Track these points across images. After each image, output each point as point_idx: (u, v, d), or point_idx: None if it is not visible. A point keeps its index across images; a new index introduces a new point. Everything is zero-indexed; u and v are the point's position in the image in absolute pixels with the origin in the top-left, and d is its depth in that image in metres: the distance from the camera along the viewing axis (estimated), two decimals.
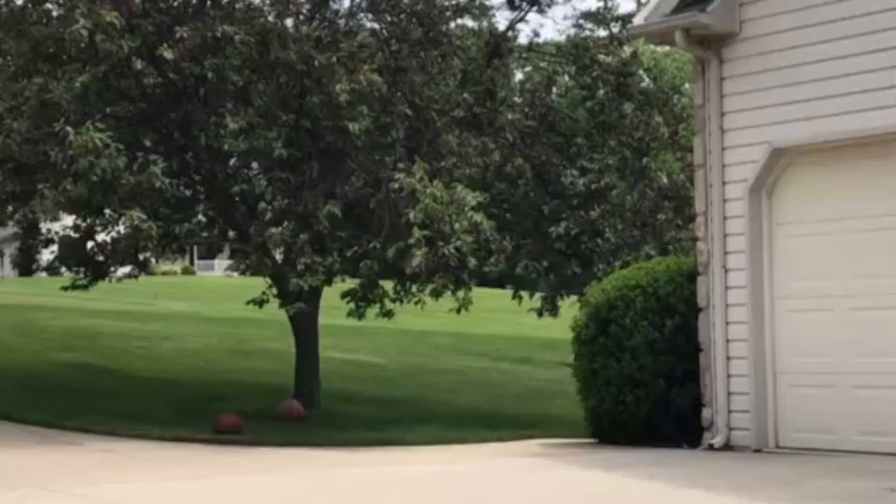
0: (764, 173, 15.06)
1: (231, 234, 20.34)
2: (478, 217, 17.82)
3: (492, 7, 21.65)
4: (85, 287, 20.89)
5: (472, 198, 17.96)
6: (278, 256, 19.05)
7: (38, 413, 18.20)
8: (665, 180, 21.43)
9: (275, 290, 19.91)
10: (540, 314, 21.41)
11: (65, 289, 21.12)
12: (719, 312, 15.34)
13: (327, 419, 19.44)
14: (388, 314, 19.78)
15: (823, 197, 14.77)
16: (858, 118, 14.12)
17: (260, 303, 20.33)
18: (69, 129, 17.07)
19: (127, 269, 20.99)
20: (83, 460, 15.01)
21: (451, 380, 26.65)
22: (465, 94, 20.47)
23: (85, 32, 17.31)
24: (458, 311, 18.92)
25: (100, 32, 17.51)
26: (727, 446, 15.08)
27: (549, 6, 21.68)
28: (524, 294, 22.10)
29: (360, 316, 19.81)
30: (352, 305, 19.63)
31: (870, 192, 14.36)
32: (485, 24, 21.81)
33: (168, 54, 18.20)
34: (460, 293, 18.91)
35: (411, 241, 17.49)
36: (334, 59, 18.24)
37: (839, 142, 14.44)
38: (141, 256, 20.15)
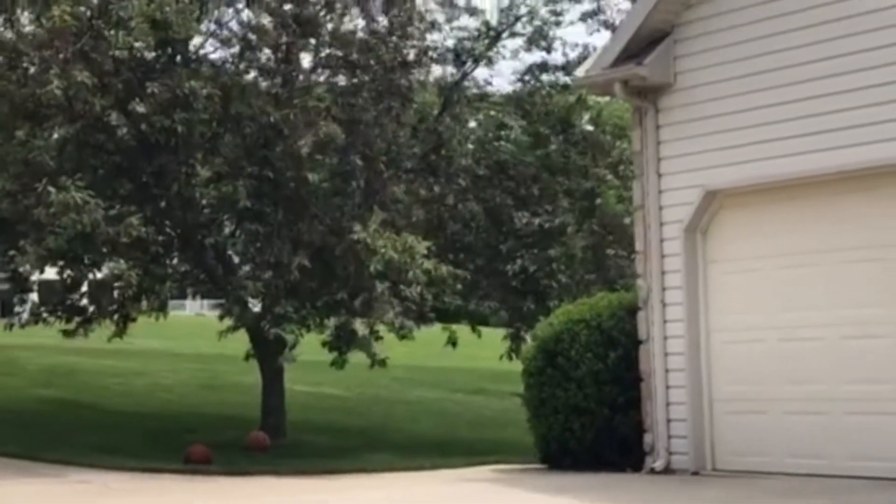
0: (698, 214, 15.13)
1: (203, 277, 20.22)
2: (429, 264, 17.89)
3: (442, 61, 21.68)
4: (84, 335, 20.56)
5: (422, 246, 18.02)
6: (253, 307, 19.02)
7: (18, 446, 18.06)
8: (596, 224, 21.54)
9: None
10: (510, 357, 21.39)
11: (64, 334, 20.82)
12: (658, 344, 15.37)
13: (293, 449, 19.40)
14: (382, 363, 19.58)
15: (753, 236, 14.85)
16: (783, 162, 14.22)
17: (251, 355, 20.44)
18: (51, 189, 17.03)
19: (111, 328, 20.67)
20: (61, 491, 14.93)
21: (409, 410, 26.64)
22: (417, 145, 20.53)
23: (59, 92, 17.31)
24: (453, 344, 19.00)
25: (72, 91, 17.50)
26: (667, 470, 15.07)
27: (492, 62, 21.73)
28: (482, 329, 22.18)
29: (342, 364, 19.71)
30: (333, 354, 19.59)
31: (794, 231, 14.45)
32: (435, 77, 21.84)
33: (140, 108, 18.21)
34: (436, 327, 18.96)
35: (376, 293, 17.63)
36: (291, 115, 18.27)
37: (765, 185, 14.54)
38: (119, 315, 19.94)
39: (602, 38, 21.95)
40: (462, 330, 23.08)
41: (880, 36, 13.41)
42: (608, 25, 21.45)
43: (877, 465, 13.32)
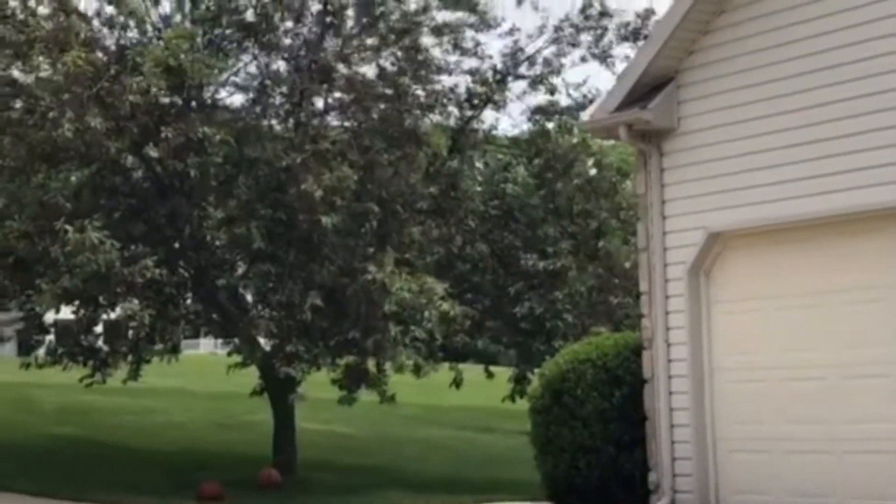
0: (701, 255, 15.14)
1: (215, 317, 20.28)
2: (446, 306, 17.96)
3: (454, 104, 21.75)
4: (102, 381, 20.61)
5: (441, 289, 18.10)
6: (265, 345, 19.07)
7: (33, 483, 18.13)
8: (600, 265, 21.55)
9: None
10: (513, 399, 21.40)
11: (82, 381, 20.86)
12: (663, 383, 15.36)
13: (303, 486, 19.41)
14: (391, 399, 19.68)
15: (755, 277, 14.84)
16: (783, 205, 14.23)
17: (257, 392, 20.48)
18: (68, 227, 17.11)
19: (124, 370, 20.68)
20: None
21: (418, 448, 26.63)
22: (431, 188, 20.60)
23: (70, 135, 17.38)
24: (457, 385, 19.03)
25: (86, 135, 17.59)
26: None
27: (503, 105, 21.82)
28: (494, 369, 22.17)
29: (351, 402, 19.74)
30: (342, 391, 19.63)
31: (796, 272, 14.44)
32: (448, 119, 21.91)
33: (154, 153, 18.32)
34: (440, 367, 19.01)
35: (389, 335, 17.69)
36: (299, 160, 18.34)
37: (766, 227, 14.54)
38: (132, 356, 19.96)
39: (603, 79, 22.14)
40: (470, 369, 23.10)
41: (878, 82, 13.44)
42: (605, 59, 21.54)
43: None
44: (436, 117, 21.33)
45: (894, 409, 13.46)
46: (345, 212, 19.14)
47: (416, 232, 19.97)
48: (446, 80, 21.47)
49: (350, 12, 20.29)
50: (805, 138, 14.04)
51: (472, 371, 23.32)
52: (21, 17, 18.77)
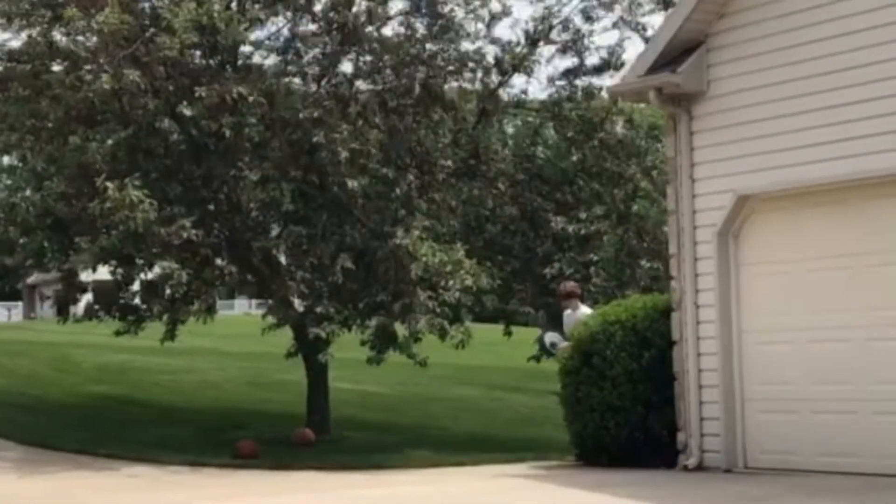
0: (730, 218, 15.09)
1: (249, 278, 20.24)
2: (470, 281, 17.92)
3: (482, 68, 21.59)
4: (135, 332, 20.65)
5: (469, 263, 18.05)
6: (299, 306, 19.03)
7: (73, 441, 18.21)
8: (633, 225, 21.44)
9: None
10: (538, 360, 21.32)
11: (117, 333, 20.93)
12: (691, 345, 15.34)
13: (337, 444, 19.43)
14: (423, 363, 19.74)
15: (784, 239, 14.81)
16: (813, 168, 14.17)
17: (290, 354, 20.53)
18: (109, 184, 17.08)
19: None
20: (114, 484, 15.03)
21: (449, 407, 26.63)
22: (456, 150, 20.53)
23: (108, 87, 17.32)
24: (460, 347, 19.02)
25: (123, 95, 17.57)
26: (700, 467, 15.04)
27: (530, 71, 21.65)
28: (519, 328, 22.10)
29: (378, 362, 19.77)
30: (371, 352, 19.65)
31: (824, 234, 14.42)
32: (476, 84, 21.77)
33: (188, 111, 18.30)
34: (460, 328, 18.94)
35: (417, 300, 17.71)
36: (315, 114, 18.29)
37: (797, 189, 14.48)
38: (169, 316, 19.95)
39: (633, 44, 21.95)
40: (497, 329, 23.02)
41: None
42: (640, 29, 21.35)
43: None
44: (465, 83, 21.19)
45: None
46: (373, 174, 19.08)
47: (439, 197, 19.89)
48: (475, 46, 21.28)
49: None
50: (835, 101, 13.95)
51: (500, 333, 23.31)
52: None
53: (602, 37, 21.50)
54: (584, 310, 17.29)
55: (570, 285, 17.76)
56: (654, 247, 21.23)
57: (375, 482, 15.22)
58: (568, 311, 17.40)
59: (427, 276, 17.97)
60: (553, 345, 17.49)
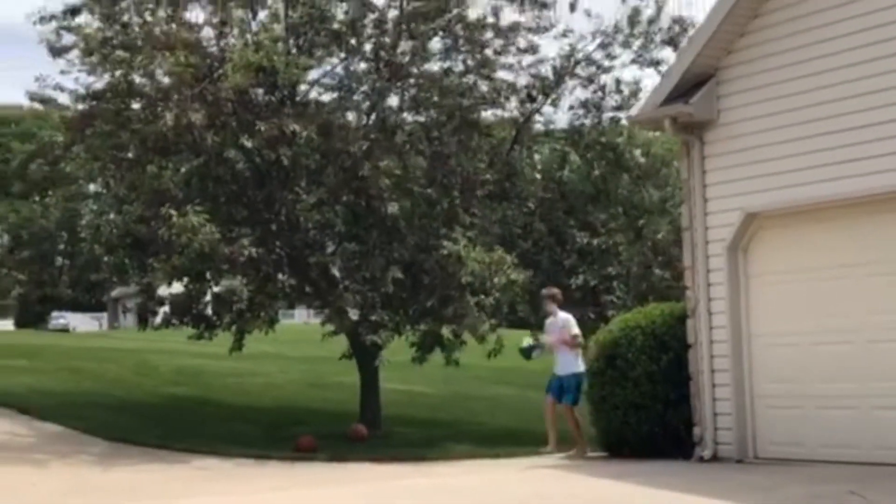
0: (739, 234, 15.03)
1: (308, 290, 20.18)
2: (514, 275, 17.90)
3: (515, 99, 21.50)
4: (208, 338, 20.58)
5: (510, 259, 18.09)
6: (353, 316, 18.99)
7: (151, 436, 18.22)
8: (659, 236, 21.31)
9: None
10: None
11: (190, 338, 20.89)
12: (705, 348, 15.27)
13: (387, 439, 19.37)
14: (455, 363, 19.76)
15: (788, 253, 14.74)
16: (813, 188, 14.11)
17: (346, 356, 20.53)
18: (172, 212, 17.15)
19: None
20: (187, 476, 15.02)
21: (486, 405, 26.51)
22: (492, 173, 20.49)
23: (171, 124, 17.39)
24: (493, 355, 19.06)
25: (188, 129, 17.63)
26: (714, 458, 14.97)
27: (557, 100, 21.57)
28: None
29: (422, 361, 19.80)
30: (416, 353, 19.72)
31: (825, 248, 14.33)
32: (509, 113, 21.68)
33: (248, 143, 18.33)
34: (493, 336, 18.96)
35: (467, 304, 17.69)
36: (364, 146, 18.33)
37: (798, 207, 14.42)
38: (236, 327, 19.90)
39: (649, 77, 21.85)
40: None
41: None
42: (654, 64, 21.20)
43: None
44: (498, 111, 21.16)
45: None
46: (417, 195, 19.06)
47: (478, 213, 19.87)
48: (508, 78, 21.20)
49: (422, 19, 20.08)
50: (832, 128, 13.91)
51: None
52: (136, 24, 18.80)
53: (620, 72, 21.30)
54: (562, 315, 17.08)
55: (551, 290, 17.47)
56: (668, 260, 21.10)
57: (422, 472, 15.16)
58: (550, 319, 17.15)
59: (473, 280, 17.94)
60: (530, 348, 17.38)
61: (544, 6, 20.29)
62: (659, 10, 20.92)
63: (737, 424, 14.91)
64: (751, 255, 15.10)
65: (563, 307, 17.35)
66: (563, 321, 16.99)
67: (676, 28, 20.90)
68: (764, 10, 14.79)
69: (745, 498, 11.49)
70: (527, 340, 17.63)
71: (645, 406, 15.58)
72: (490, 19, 20.15)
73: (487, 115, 20.89)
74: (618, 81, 21.47)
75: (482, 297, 18.26)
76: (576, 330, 16.97)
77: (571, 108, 21.75)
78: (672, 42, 20.90)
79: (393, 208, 18.49)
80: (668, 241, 21.19)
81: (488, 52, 20.40)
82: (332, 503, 12.40)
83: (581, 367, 16.70)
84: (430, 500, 12.41)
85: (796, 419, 14.42)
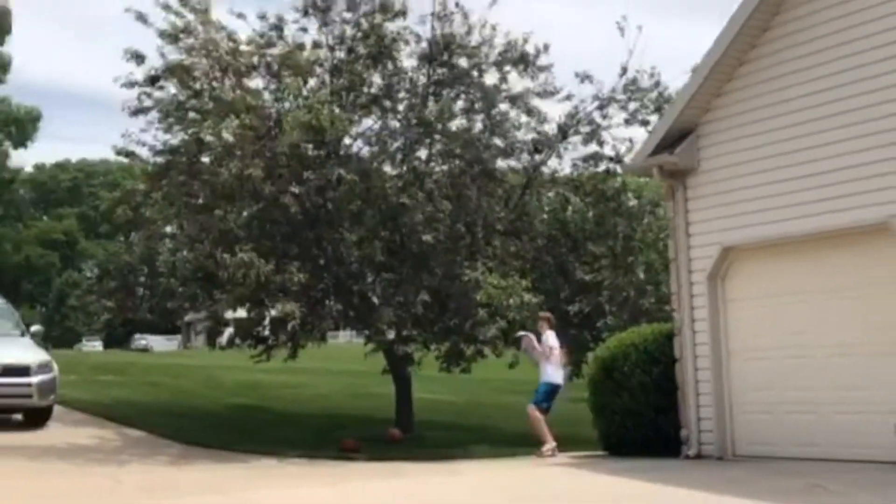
0: (717, 265, 15.02)
1: (351, 314, 20.21)
2: (527, 297, 17.92)
3: (526, 152, 21.50)
4: (266, 358, 20.62)
5: (522, 283, 18.13)
6: (389, 335, 19.03)
7: (216, 440, 18.21)
8: (642, 276, 21.23)
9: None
10: (570, 378, 21.10)
11: (252, 358, 20.91)
12: (690, 362, 15.24)
13: (419, 441, 19.33)
14: (468, 370, 19.92)
15: (759, 280, 14.74)
16: (780, 226, 14.16)
17: (386, 371, 20.56)
18: (226, 255, 17.32)
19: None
20: (249, 473, 14.99)
21: (504, 412, 26.35)
22: (506, 213, 20.53)
23: (233, 177, 17.56)
24: (513, 366, 19.03)
25: (247, 181, 17.76)
26: (698, 456, 14.94)
27: (562, 153, 21.59)
28: None
29: (448, 371, 19.91)
30: (443, 364, 19.83)
31: (791, 276, 14.33)
32: (519, 165, 21.69)
33: (299, 191, 18.42)
34: (511, 352, 18.97)
35: (479, 317, 17.71)
36: (407, 199, 18.41)
37: (768, 242, 14.43)
38: (290, 343, 19.93)
39: (639, 133, 21.83)
40: None
41: (853, 130, 13.30)
42: (644, 123, 21.19)
43: (857, 451, 13.16)
44: (511, 162, 21.18)
45: (864, 381, 13.31)
46: (443, 232, 19.11)
47: (496, 248, 19.91)
48: (519, 135, 21.23)
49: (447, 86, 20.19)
50: (795, 174, 13.99)
51: None
52: (206, 91, 18.97)
53: (616, 130, 21.26)
54: (549, 334, 16.98)
55: (545, 314, 17.43)
56: (656, 288, 21.02)
57: (449, 470, 15.12)
58: (542, 337, 17.08)
59: (488, 301, 17.96)
60: (519, 338, 17.33)
61: (544, 69, 20.30)
62: (655, 83, 20.91)
63: (717, 427, 14.87)
64: (728, 283, 15.08)
65: (561, 329, 17.36)
66: (546, 338, 16.90)
67: (667, 94, 20.87)
68: (736, 75, 14.86)
69: (724, 490, 11.45)
70: (521, 333, 17.55)
71: (639, 412, 15.54)
72: (504, 86, 20.20)
73: (502, 165, 20.89)
74: (612, 137, 21.46)
75: (497, 319, 18.24)
76: (552, 343, 16.84)
77: (573, 162, 21.74)
78: (660, 110, 20.88)
79: (427, 237, 18.52)
80: (657, 270, 21.11)
81: (502, 108, 20.43)
82: (386, 495, 12.36)
83: (555, 378, 16.64)
84: (477, 495, 12.38)
85: (768, 423, 14.39)
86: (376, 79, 19.68)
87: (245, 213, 18.99)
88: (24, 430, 18.52)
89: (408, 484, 13.45)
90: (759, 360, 14.62)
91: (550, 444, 16.61)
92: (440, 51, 19.82)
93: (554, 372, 16.77)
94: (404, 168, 19.81)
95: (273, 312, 19.54)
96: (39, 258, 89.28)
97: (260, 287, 17.75)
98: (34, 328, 21.39)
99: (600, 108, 21.36)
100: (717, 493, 11.24)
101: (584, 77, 20.60)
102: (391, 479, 14.05)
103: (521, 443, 18.51)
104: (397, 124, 20.03)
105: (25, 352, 19.08)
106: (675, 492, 11.67)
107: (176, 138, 19.37)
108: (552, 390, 16.81)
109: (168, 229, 21.45)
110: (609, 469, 14.11)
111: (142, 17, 18.86)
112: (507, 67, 20.25)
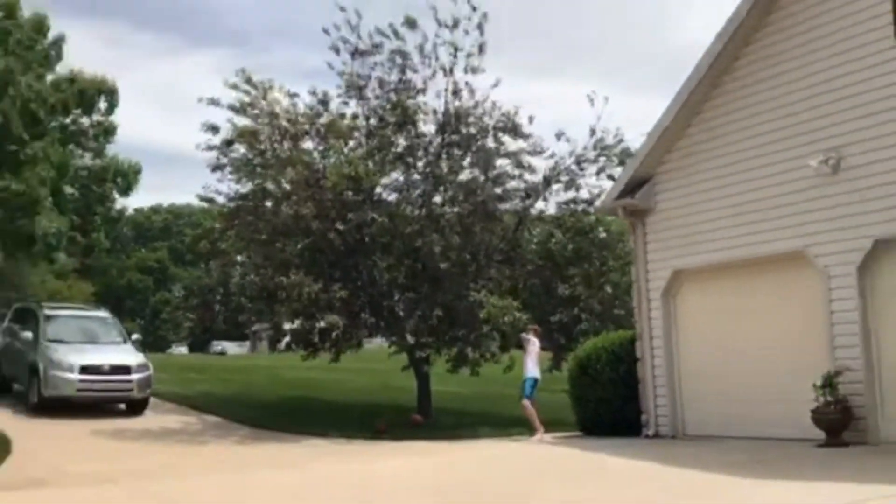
0: (670, 285, 14.98)
1: (382, 324, 20.15)
2: (518, 314, 17.83)
3: (518, 198, 21.42)
4: (313, 358, 20.54)
5: (517, 304, 18.06)
6: (410, 340, 18.97)
7: (275, 424, 18.13)
8: (609, 291, 21.08)
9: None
10: (550, 371, 20.97)
11: (303, 358, 20.85)
12: (648, 361, 15.18)
13: (436, 424, 19.19)
14: (476, 373, 19.77)
15: (703, 297, 14.70)
16: (720, 254, 14.15)
17: (406, 367, 20.46)
18: (284, 278, 17.38)
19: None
20: (302, 451, 14.93)
21: (503, 402, 26.18)
22: (503, 245, 20.48)
23: (290, 218, 17.61)
24: (507, 370, 18.94)
25: (301, 220, 17.79)
26: (656, 435, 14.86)
27: (547, 197, 21.52)
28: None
29: (456, 371, 19.79)
30: (450, 366, 19.73)
31: (728, 294, 14.29)
32: (513, 207, 21.58)
33: (339, 227, 18.42)
34: (506, 356, 18.92)
35: (482, 332, 17.66)
36: (429, 238, 18.41)
37: (711, 266, 14.40)
38: (334, 348, 19.87)
39: (606, 183, 21.71)
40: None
41: (777, 178, 13.28)
42: (610, 178, 21.12)
43: (782, 431, 13.08)
44: (507, 206, 21.11)
45: (785, 378, 13.21)
46: (454, 260, 19.04)
47: (494, 272, 19.84)
48: (513, 184, 21.17)
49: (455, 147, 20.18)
50: (734, 212, 13.99)
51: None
52: (269, 151, 19.05)
53: (590, 178, 21.14)
54: (532, 339, 16.82)
55: (532, 326, 17.31)
56: (622, 302, 20.89)
57: (462, 447, 15.07)
58: (532, 342, 16.94)
59: (488, 318, 17.89)
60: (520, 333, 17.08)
61: (528, 137, 20.32)
62: (619, 142, 20.88)
63: (671, 413, 14.81)
64: (679, 299, 15.04)
65: (546, 336, 17.31)
66: (533, 343, 16.74)
67: (629, 150, 20.81)
68: (684, 134, 14.85)
69: (675, 462, 11.36)
70: (522, 335, 17.40)
71: (609, 401, 15.46)
72: (501, 147, 20.20)
73: (500, 207, 20.84)
74: (586, 185, 21.40)
75: (495, 333, 18.19)
76: (536, 346, 16.60)
77: (557, 204, 21.65)
78: (623, 163, 20.80)
79: (442, 265, 18.49)
80: (624, 289, 20.98)
81: (500, 163, 20.42)
82: (417, 468, 12.28)
83: (532, 372, 16.42)
84: (488, 463, 12.43)
85: (711, 410, 14.31)
86: (401, 141, 19.72)
87: (299, 246, 18.96)
88: (126, 417, 18.55)
89: (426, 457, 13.38)
90: (703, 360, 14.54)
91: (540, 433, 16.53)
92: (451, 121, 19.87)
93: (533, 367, 16.64)
94: (423, 211, 19.81)
95: (321, 324, 19.52)
96: (138, 282, 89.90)
97: (310, 303, 17.75)
98: (134, 336, 21.49)
99: (577, 163, 21.33)
100: (671, 464, 11.15)
101: (561, 135, 20.65)
102: (414, 455, 13.98)
103: (517, 424, 18.42)
104: (417, 177, 20.05)
105: (127, 355, 19.34)
106: (634, 463, 11.56)
107: (245, 188, 19.48)
108: (534, 383, 16.68)
109: (239, 258, 21.44)
110: (583, 445, 14.04)
111: (214, 102, 18.97)
112: (502, 135, 20.26)
